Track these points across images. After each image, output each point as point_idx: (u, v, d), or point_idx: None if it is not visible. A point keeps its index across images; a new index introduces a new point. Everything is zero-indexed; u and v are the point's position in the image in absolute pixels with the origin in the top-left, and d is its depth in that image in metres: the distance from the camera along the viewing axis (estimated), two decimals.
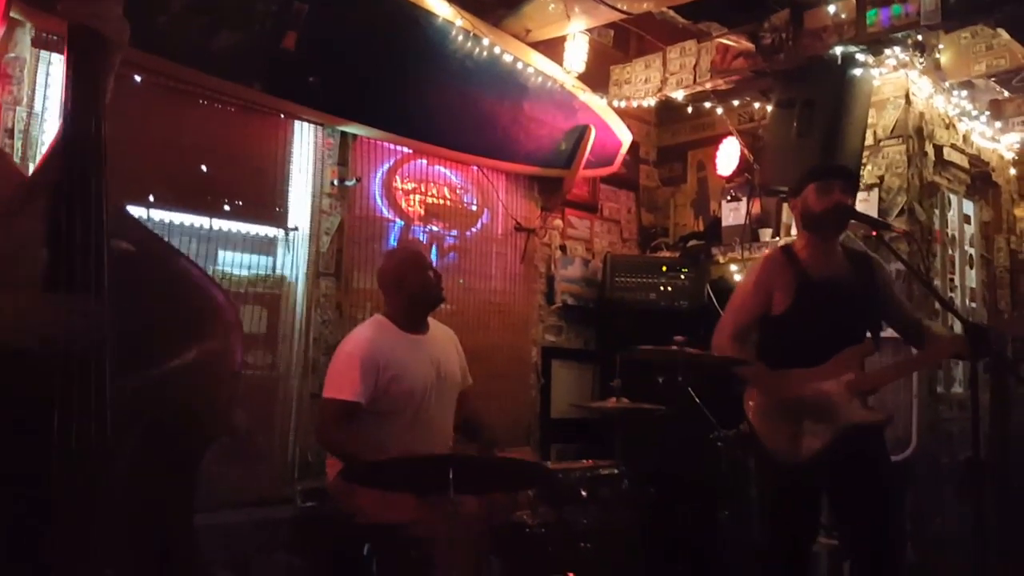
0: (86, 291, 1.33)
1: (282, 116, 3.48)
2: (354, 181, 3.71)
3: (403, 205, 4.02)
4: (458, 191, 4.26)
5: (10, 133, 2.73)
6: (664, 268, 4.59)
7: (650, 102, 4.70)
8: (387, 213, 3.94)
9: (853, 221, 2.86)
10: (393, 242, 3.94)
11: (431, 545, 2.62)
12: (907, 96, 4.04)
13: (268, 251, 3.51)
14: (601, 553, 2.75)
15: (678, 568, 2.92)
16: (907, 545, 3.34)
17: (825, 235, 2.88)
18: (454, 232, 4.25)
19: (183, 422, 1.46)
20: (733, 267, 4.54)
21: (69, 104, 1.39)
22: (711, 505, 3.09)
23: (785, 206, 4.48)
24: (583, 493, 2.89)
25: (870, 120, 3.95)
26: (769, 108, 4.26)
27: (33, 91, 2.82)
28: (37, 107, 2.82)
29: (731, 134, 4.70)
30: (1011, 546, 3.85)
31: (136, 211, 3.02)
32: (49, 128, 2.82)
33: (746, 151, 4.61)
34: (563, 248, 4.77)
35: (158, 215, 3.10)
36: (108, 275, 1.36)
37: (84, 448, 1.30)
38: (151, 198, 3.09)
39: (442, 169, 4.17)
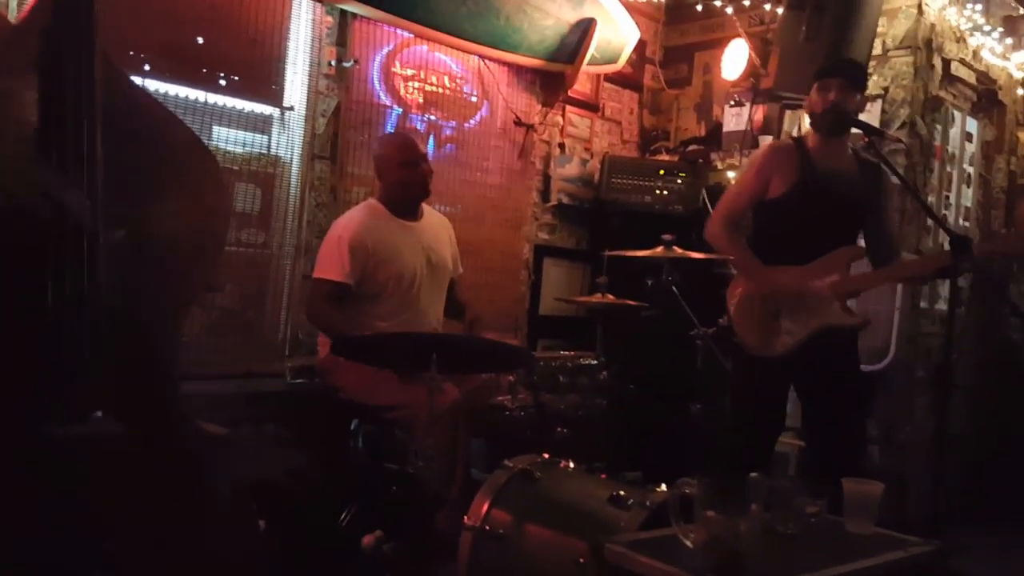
0: (77, 159, 1.34)
1: None
2: (352, 62, 3.65)
3: (401, 92, 3.97)
4: (458, 80, 4.20)
5: None
6: (661, 171, 4.58)
7: None
8: (385, 99, 3.89)
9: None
10: (391, 129, 3.91)
11: (413, 425, 2.72)
12: (920, 6, 3.94)
13: (263, 129, 3.48)
14: (576, 438, 2.86)
15: (647, 455, 3.05)
16: (864, 447, 3.46)
17: (827, 135, 2.86)
18: (452, 123, 4.22)
19: (172, 267, 1.51)
20: (730, 173, 4.53)
21: None
22: (685, 399, 3.19)
23: (788, 113, 4.44)
24: (562, 381, 2.98)
25: (880, 28, 3.86)
26: (780, 11, 4.16)
27: None
28: None
29: (740, 36, 4.60)
30: (976, 458, 4.00)
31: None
32: None
33: (754, 55, 4.52)
34: (562, 146, 4.73)
35: (153, 85, 3.07)
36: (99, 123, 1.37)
37: (75, 296, 1.34)
38: (146, 67, 3.06)
39: (443, 56, 4.10)
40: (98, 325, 1.38)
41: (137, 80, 2.99)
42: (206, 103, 3.24)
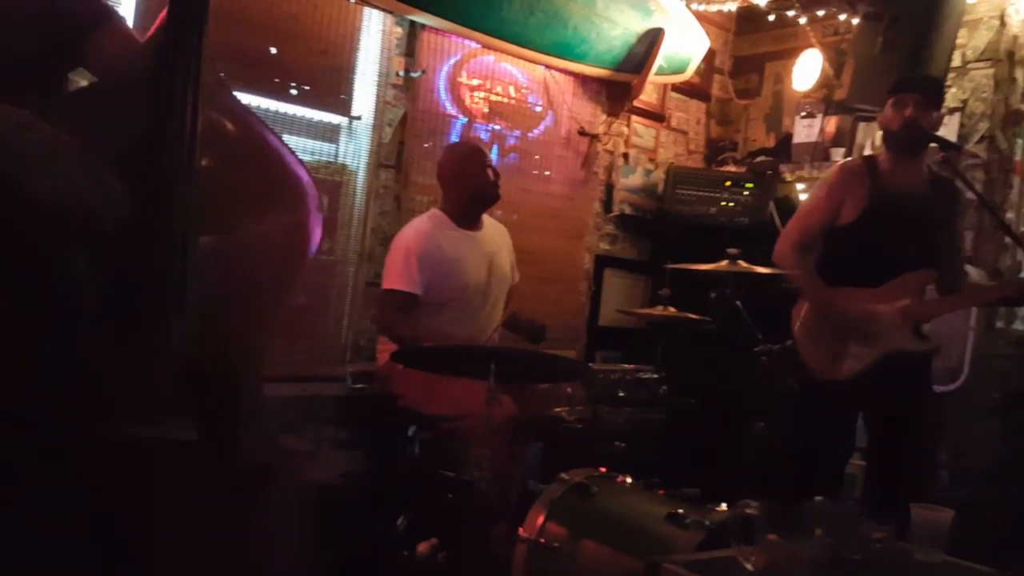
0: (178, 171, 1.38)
1: (352, 1, 3.46)
2: (420, 73, 3.70)
3: (467, 101, 4.00)
4: (523, 90, 4.22)
5: None
6: (728, 183, 4.51)
7: (731, 7, 4.52)
8: (450, 109, 3.93)
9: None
10: (455, 138, 3.95)
11: (470, 434, 2.73)
12: (1002, 17, 3.80)
13: (331, 138, 3.55)
14: (633, 453, 2.83)
15: (706, 473, 2.98)
16: (933, 471, 3.34)
17: (902, 153, 2.78)
18: (516, 132, 4.23)
19: (254, 283, 1.54)
20: (800, 186, 4.43)
21: None
22: (747, 417, 3.13)
23: (861, 126, 4.34)
24: (621, 394, 2.95)
25: (959, 40, 3.74)
26: (855, 21, 4.07)
27: None
28: None
29: (813, 46, 4.52)
30: None
31: None
32: None
33: (827, 66, 4.44)
34: (626, 156, 4.70)
35: None
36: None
37: (165, 302, 1.38)
38: (220, 75, 3.13)
39: (509, 67, 4.12)
40: (184, 326, 1.41)
41: None
42: (277, 112, 3.31)
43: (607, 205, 4.64)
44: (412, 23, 3.66)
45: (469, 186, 3.21)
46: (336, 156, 3.57)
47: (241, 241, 1.53)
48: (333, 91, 3.52)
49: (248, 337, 1.58)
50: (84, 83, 1.49)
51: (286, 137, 3.34)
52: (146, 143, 1.39)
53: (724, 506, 2.08)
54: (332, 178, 3.56)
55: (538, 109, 4.29)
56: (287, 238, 1.61)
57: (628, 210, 4.67)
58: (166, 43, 1.43)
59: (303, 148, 3.41)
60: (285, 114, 3.35)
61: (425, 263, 3.05)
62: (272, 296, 1.63)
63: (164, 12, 1.50)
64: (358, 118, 3.59)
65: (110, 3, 1.54)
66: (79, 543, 1.31)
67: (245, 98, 3.20)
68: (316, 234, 1.68)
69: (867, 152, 4.18)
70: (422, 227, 3.19)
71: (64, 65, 1.44)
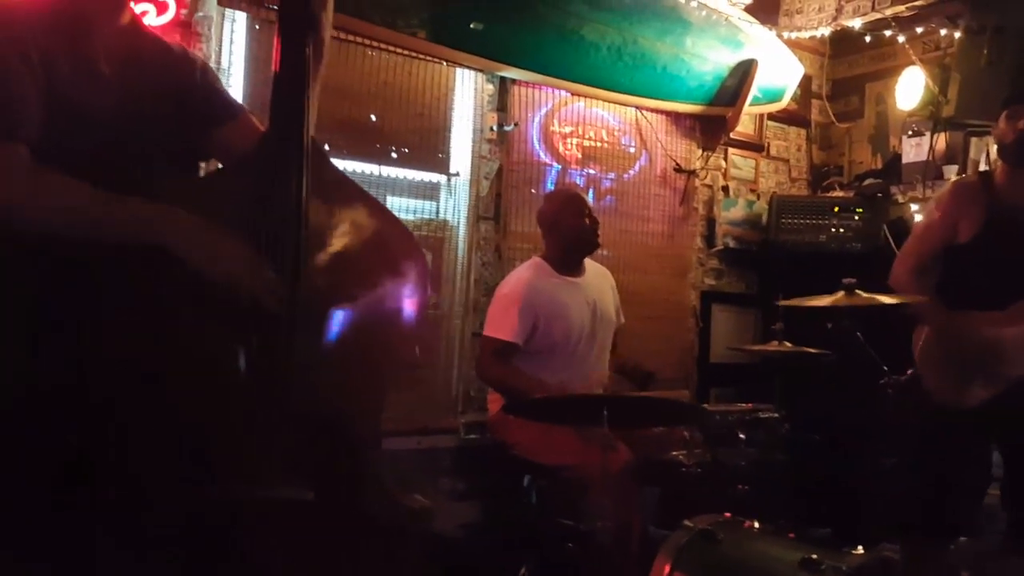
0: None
1: (444, 64, 3.58)
2: (513, 126, 3.78)
3: (560, 149, 4.04)
4: (616, 133, 4.23)
5: None
6: (836, 208, 4.38)
7: (824, 32, 4.43)
8: (544, 157, 3.98)
9: None
10: (550, 186, 3.99)
11: (587, 482, 2.70)
12: None
13: (432, 196, 3.66)
14: (758, 495, 2.72)
15: (836, 514, 2.85)
16: None
17: (1018, 166, 2.65)
18: (611, 175, 4.24)
19: (372, 354, 1.59)
20: (913, 207, 4.26)
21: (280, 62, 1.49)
22: (876, 453, 2.97)
23: (974, 141, 4.15)
24: (740, 435, 2.87)
25: None
26: (957, 35, 3.92)
27: (219, 47, 3.03)
28: (224, 63, 3.04)
29: (914, 64, 4.37)
30: None
31: None
32: (235, 83, 3.05)
33: (931, 82, 4.28)
34: (725, 189, 4.64)
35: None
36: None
37: (278, 369, 1.43)
38: (327, 147, 3.28)
39: (600, 111, 4.15)
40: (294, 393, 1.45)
41: None
42: (380, 176, 3.44)
43: (709, 240, 4.58)
44: (503, 79, 3.75)
45: (566, 234, 3.23)
46: (437, 213, 3.67)
47: (363, 301, 1.59)
48: (431, 151, 3.63)
49: (370, 395, 1.62)
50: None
51: (390, 198, 3.46)
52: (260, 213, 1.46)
53: (860, 549, 1.97)
54: (435, 234, 3.66)
55: (632, 150, 4.29)
56: (404, 304, 1.66)
57: (732, 243, 4.59)
58: (272, 129, 1.50)
59: (406, 208, 3.53)
60: (388, 177, 3.47)
61: (526, 312, 3.07)
62: (392, 351, 1.67)
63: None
64: (456, 175, 3.69)
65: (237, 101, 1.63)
66: None
67: (351, 165, 3.34)
68: (426, 289, 1.73)
69: (982, 167, 3.99)
70: (523, 276, 3.21)
71: (196, 154, 1.54)
